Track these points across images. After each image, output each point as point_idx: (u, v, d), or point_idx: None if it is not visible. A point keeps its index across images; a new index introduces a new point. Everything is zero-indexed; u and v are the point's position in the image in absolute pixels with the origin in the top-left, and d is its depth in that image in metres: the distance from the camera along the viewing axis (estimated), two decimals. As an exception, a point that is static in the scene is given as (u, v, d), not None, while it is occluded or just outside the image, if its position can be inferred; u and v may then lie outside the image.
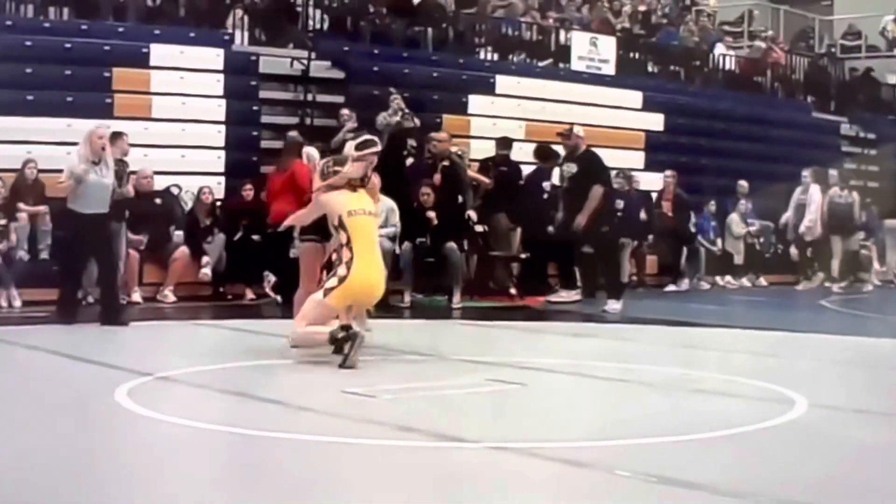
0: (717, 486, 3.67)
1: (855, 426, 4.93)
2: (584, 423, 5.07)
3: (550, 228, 11.17)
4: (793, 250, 15.02)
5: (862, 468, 4.10)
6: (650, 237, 13.50)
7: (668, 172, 14.07)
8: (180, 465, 4.07)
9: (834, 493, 3.67)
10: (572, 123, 11.64)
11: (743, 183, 15.04)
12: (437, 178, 11.24)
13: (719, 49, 18.35)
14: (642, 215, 13.20)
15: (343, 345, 6.21)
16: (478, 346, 7.14)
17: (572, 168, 10.59)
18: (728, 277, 14.54)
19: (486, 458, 4.21)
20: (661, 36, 17.85)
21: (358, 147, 6.81)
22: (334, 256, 6.81)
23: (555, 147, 12.12)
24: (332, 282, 6.47)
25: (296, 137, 11.08)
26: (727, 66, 18.33)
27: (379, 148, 7.05)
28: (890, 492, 3.75)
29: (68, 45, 11.24)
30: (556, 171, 11.69)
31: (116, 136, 9.54)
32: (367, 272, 6.45)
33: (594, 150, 11.09)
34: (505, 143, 12.55)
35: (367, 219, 6.60)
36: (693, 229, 14.07)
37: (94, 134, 8.31)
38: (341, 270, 6.45)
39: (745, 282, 14.72)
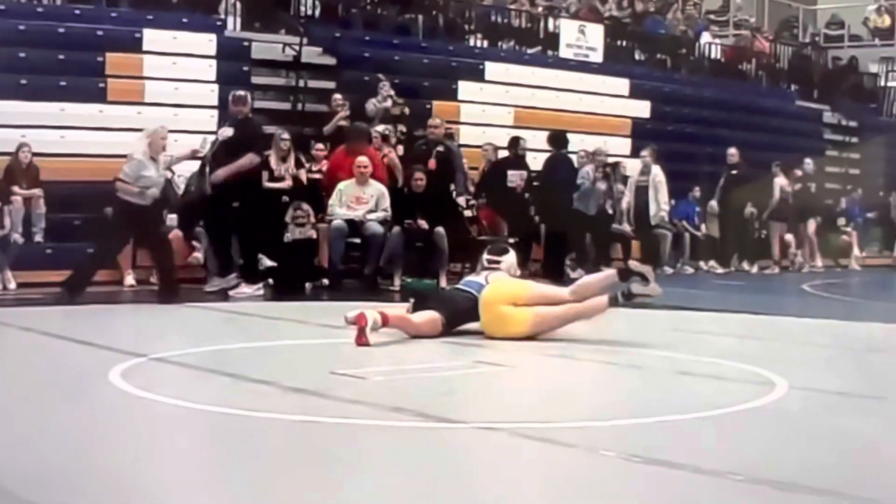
0: (698, 465, 3.73)
1: (833, 408, 4.98)
2: (569, 405, 5.13)
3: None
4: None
5: (838, 449, 4.16)
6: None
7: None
8: (173, 445, 4.10)
9: (810, 473, 3.72)
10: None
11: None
12: (432, 163, 11.38)
13: (705, 38, 18.50)
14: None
15: None
16: (466, 328, 7.21)
17: (228, 132, 9.86)
18: (712, 262, 14.75)
19: (473, 438, 4.26)
20: (647, 24, 17.99)
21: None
22: None
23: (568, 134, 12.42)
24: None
25: (363, 125, 11.32)
26: (713, 55, 18.47)
27: None
28: (866, 472, 3.82)
29: (61, 30, 11.32)
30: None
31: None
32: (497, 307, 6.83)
33: (257, 118, 10.26)
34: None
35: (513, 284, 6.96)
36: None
37: (158, 135, 8.85)
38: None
39: (735, 265, 14.92)
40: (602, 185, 12.86)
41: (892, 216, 17.45)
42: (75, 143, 10.44)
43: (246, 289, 9.58)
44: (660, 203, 13.71)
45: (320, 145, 11.49)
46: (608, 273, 6.77)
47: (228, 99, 10.03)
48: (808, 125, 18.54)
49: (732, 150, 14.80)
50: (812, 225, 15.48)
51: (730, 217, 14.72)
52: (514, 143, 12.60)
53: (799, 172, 15.48)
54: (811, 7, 22.83)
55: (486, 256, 7.36)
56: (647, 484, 3.61)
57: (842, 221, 16.72)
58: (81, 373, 5.48)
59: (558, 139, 12.58)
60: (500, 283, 6.98)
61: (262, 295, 9.59)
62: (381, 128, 11.54)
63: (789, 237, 15.30)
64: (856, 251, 16.62)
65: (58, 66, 11.03)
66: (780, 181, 15.07)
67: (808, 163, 15.81)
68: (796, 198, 15.14)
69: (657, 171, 13.75)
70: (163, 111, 11.25)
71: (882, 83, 20.69)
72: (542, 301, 6.88)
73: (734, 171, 14.73)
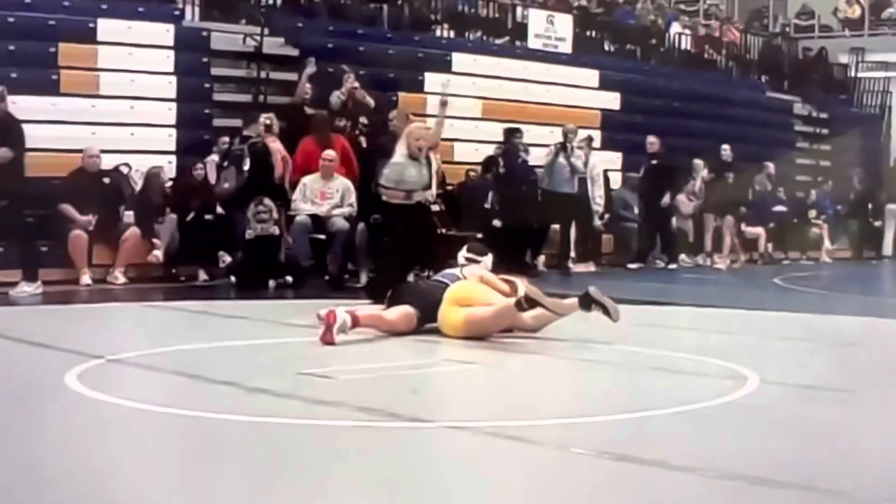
0: (670, 461, 3.71)
1: (805, 402, 4.97)
2: (540, 402, 5.08)
3: None
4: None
5: (810, 443, 4.15)
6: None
7: None
8: (132, 449, 4.01)
9: (783, 467, 3.70)
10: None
11: (698, 162, 15.09)
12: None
13: (675, 28, 18.46)
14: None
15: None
16: (434, 325, 7.09)
17: None
18: (682, 256, 14.67)
19: (442, 437, 4.21)
20: (617, 14, 17.94)
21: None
22: None
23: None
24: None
25: (323, 114, 11.17)
26: (683, 45, 18.43)
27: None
28: (838, 466, 3.80)
29: (11, 20, 10.98)
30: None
31: None
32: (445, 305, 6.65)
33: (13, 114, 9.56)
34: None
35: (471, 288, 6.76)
36: None
37: (413, 135, 8.92)
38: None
39: (698, 260, 14.85)
40: (562, 160, 12.60)
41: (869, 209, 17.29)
42: (27, 136, 10.10)
43: (26, 287, 9.03)
44: (595, 198, 12.80)
45: None
46: (571, 302, 6.62)
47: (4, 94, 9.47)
48: (778, 116, 18.54)
49: (652, 139, 14.06)
50: (730, 220, 14.76)
51: (650, 208, 13.93)
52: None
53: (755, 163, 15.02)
54: (781, -3, 22.92)
55: (465, 254, 7.17)
56: (617, 481, 3.58)
57: (812, 214, 16.72)
58: (36, 375, 5.39)
59: (512, 132, 12.39)
60: (461, 284, 6.78)
61: (40, 294, 8.94)
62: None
63: (755, 230, 15.12)
64: (826, 244, 16.63)
65: (8, 57, 10.63)
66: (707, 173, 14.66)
67: (725, 149, 14.73)
68: (709, 189, 14.50)
69: (595, 163, 13.01)
70: (118, 104, 10.98)
71: (852, 74, 20.74)
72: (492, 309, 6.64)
73: (654, 161, 14.03)
